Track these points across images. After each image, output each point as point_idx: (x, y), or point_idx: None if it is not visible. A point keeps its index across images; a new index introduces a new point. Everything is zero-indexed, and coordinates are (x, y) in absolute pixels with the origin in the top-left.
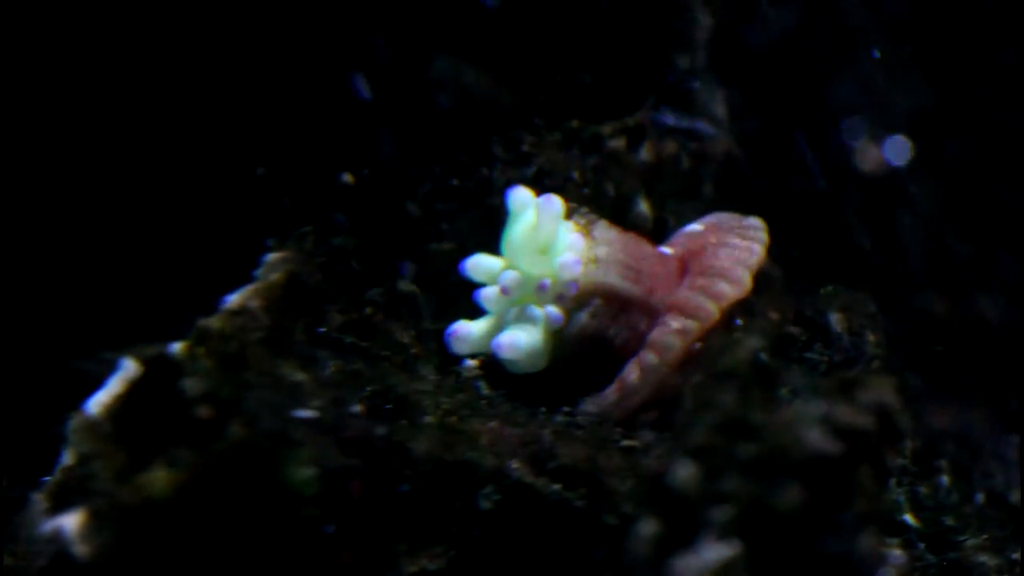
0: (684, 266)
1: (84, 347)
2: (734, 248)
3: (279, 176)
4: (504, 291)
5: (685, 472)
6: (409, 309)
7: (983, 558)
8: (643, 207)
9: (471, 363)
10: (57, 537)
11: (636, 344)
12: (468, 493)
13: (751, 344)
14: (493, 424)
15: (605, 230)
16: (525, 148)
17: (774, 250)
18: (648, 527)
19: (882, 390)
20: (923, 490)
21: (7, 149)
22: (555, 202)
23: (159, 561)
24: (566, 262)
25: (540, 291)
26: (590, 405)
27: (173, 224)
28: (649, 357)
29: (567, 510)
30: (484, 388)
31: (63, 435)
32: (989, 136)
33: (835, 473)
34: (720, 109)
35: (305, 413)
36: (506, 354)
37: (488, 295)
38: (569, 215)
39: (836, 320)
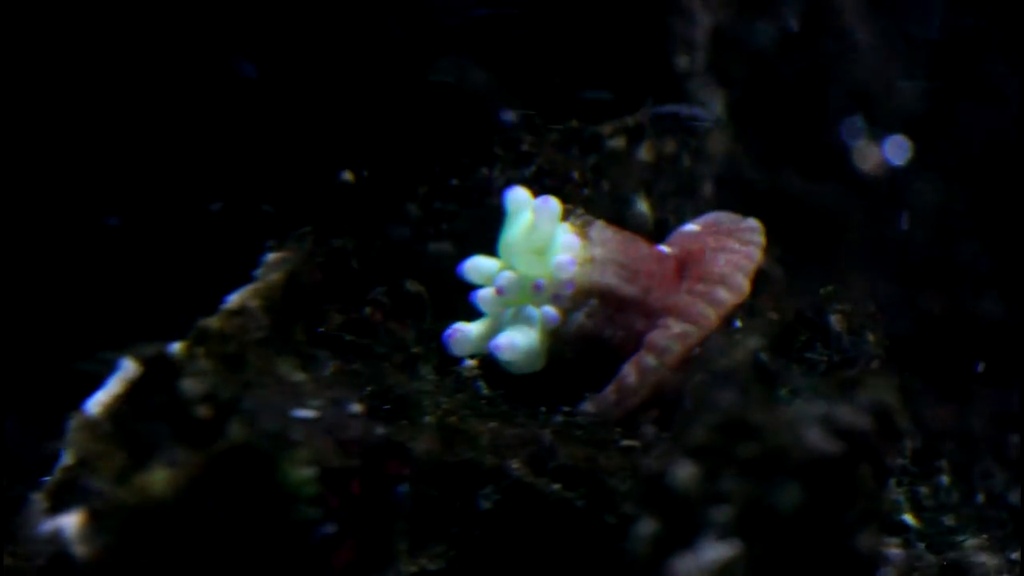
0: (682, 266)
1: (84, 347)
2: (732, 253)
3: (279, 176)
4: (500, 291)
5: (685, 472)
6: (413, 309)
7: (983, 558)
8: (642, 207)
9: (470, 363)
10: (57, 537)
11: (633, 344)
12: (468, 493)
13: (751, 344)
14: (493, 424)
15: (601, 230)
16: (525, 148)
17: (774, 250)
18: (648, 527)
19: (882, 390)
20: (923, 490)
21: (7, 149)
22: (552, 203)
23: (159, 561)
24: (562, 262)
25: (536, 291)
26: (589, 405)
27: (173, 224)
28: (648, 359)
29: (567, 510)
30: (484, 388)
31: (63, 435)
32: (989, 136)
33: (835, 473)
34: (720, 109)
35: (305, 413)
36: (504, 355)
37: (484, 296)
38: (566, 216)
39: (836, 320)
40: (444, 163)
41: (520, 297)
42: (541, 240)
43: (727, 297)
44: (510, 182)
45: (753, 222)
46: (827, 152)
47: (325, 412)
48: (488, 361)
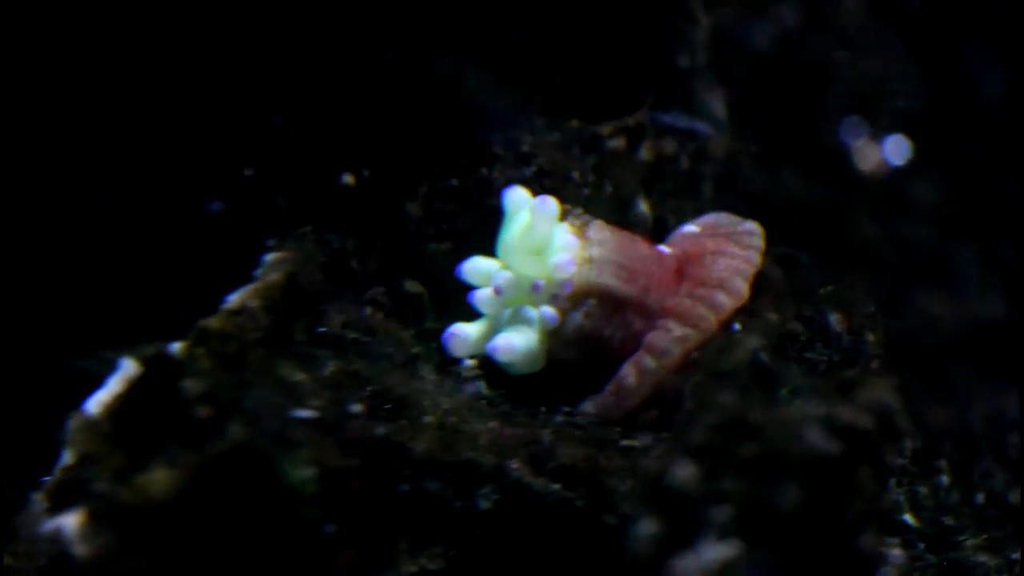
0: (680, 267)
1: (84, 347)
2: (732, 258)
3: (279, 176)
4: (497, 291)
5: (685, 472)
6: (413, 309)
7: (983, 558)
8: (643, 207)
9: (470, 363)
10: (57, 537)
11: (632, 344)
12: (468, 493)
13: (751, 344)
14: (493, 424)
15: (600, 230)
16: (525, 148)
17: (773, 250)
18: (648, 527)
19: (882, 390)
20: (923, 490)
21: (7, 149)
22: (550, 203)
23: (159, 561)
24: (559, 262)
25: (534, 292)
26: (589, 406)
27: (173, 224)
28: (647, 361)
29: (567, 510)
30: (484, 388)
31: (63, 435)
32: (989, 135)
33: (835, 473)
34: (720, 109)
35: (305, 413)
36: (501, 357)
37: (482, 297)
38: (564, 216)
39: (836, 320)
40: (444, 163)
41: (518, 297)
42: (539, 240)
43: (726, 302)
44: (510, 182)
45: (752, 225)
46: (827, 152)
47: (325, 412)
48: (488, 361)
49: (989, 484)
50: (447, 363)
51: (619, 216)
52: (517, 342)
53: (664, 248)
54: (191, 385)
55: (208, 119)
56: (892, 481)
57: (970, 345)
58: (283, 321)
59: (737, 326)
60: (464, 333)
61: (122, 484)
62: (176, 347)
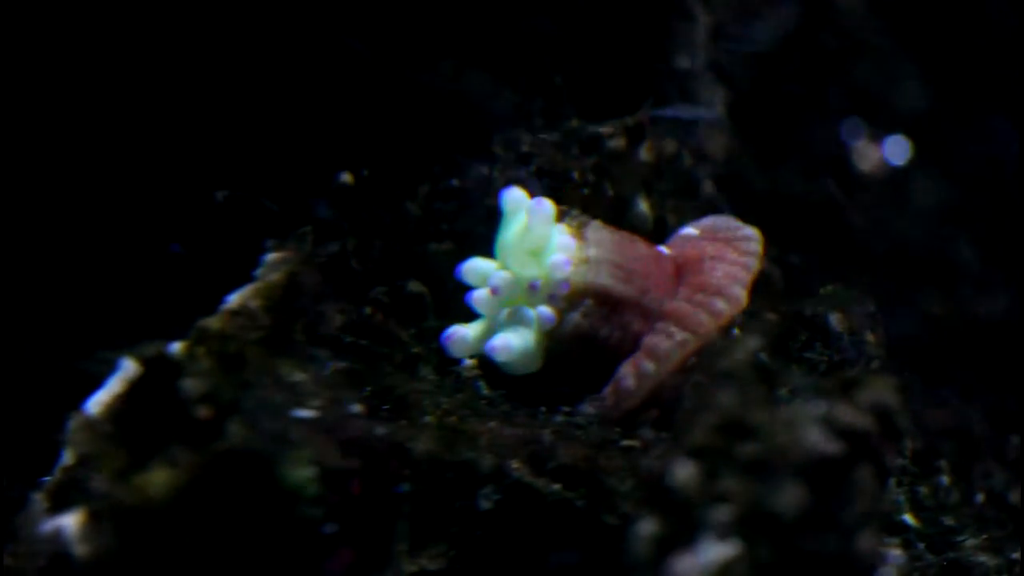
0: (679, 269)
1: (84, 347)
2: (731, 264)
3: (279, 176)
4: (494, 291)
5: (685, 472)
6: (414, 310)
7: (983, 558)
8: (643, 207)
9: (470, 363)
10: (57, 537)
11: (630, 344)
12: (468, 493)
13: (751, 344)
14: (493, 424)
15: (597, 231)
16: (525, 148)
17: (773, 251)
18: (648, 527)
19: (882, 390)
20: (923, 490)
21: (7, 149)
22: (546, 204)
23: (159, 561)
24: (556, 262)
25: (532, 292)
26: (588, 406)
27: (173, 224)
28: (647, 365)
29: (567, 510)
30: (484, 388)
31: (63, 435)
32: (989, 134)
33: (835, 473)
34: (720, 109)
35: (305, 413)
36: (499, 356)
37: (479, 297)
38: (562, 216)
39: (836, 320)
40: (444, 163)
41: (516, 298)
42: (536, 241)
43: (725, 308)
44: (510, 182)
45: (751, 231)
46: (827, 152)
47: (325, 412)
48: (487, 361)
49: (989, 484)
50: (447, 363)
51: (619, 216)
52: (514, 342)
53: (664, 249)
54: (191, 385)
55: (208, 119)
56: (892, 481)
57: (970, 345)
58: (283, 321)
59: (736, 331)
60: (463, 333)
61: (122, 484)
62: (176, 347)
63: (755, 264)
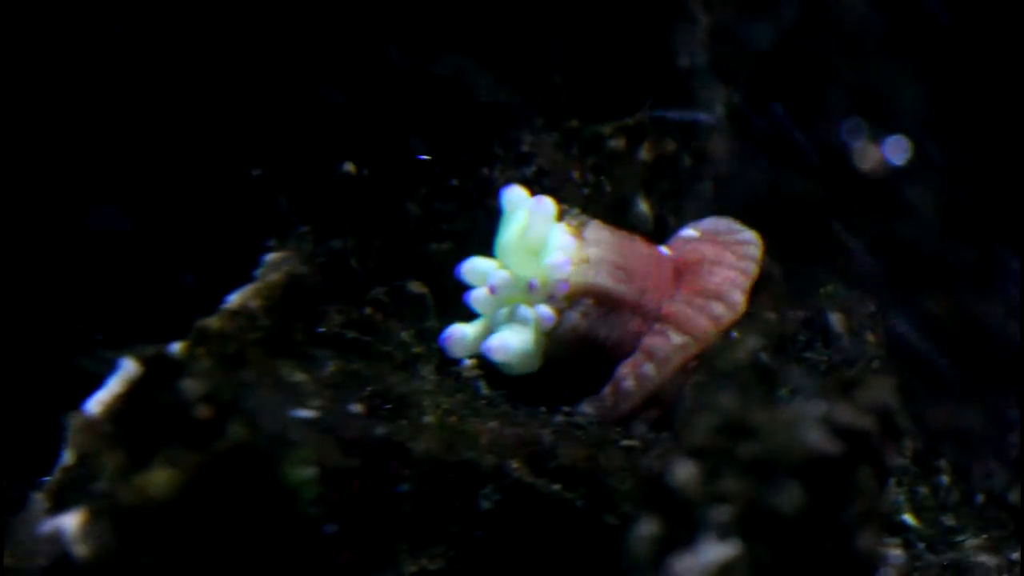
0: (678, 271)
1: (84, 347)
2: (729, 268)
3: (279, 176)
4: (492, 290)
5: (685, 472)
6: (415, 310)
7: (983, 558)
8: (643, 207)
9: (470, 363)
10: (57, 537)
11: (628, 344)
12: (468, 493)
13: (751, 344)
14: (493, 424)
15: (597, 230)
16: (525, 148)
17: (774, 250)
18: (648, 527)
19: (882, 390)
20: (923, 490)
21: (7, 149)
22: (546, 203)
23: (159, 561)
24: (555, 262)
25: (530, 291)
26: (587, 407)
27: (173, 224)
28: (647, 369)
29: (567, 510)
30: (484, 388)
31: (63, 435)
32: (989, 134)
33: (835, 473)
34: (720, 108)
35: (305, 413)
36: (497, 357)
37: (477, 296)
38: (562, 216)
39: (836, 320)
40: (444, 163)
41: (515, 297)
42: (536, 240)
43: (724, 313)
44: (510, 182)
45: (750, 235)
46: (827, 152)
47: (325, 412)
48: (487, 361)
49: (989, 484)
50: (447, 363)
51: (619, 216)
52: (512, 342)
53: (664, 250)
54: (191, 385)
55: (208, 119)
56: (892, 481)
57: (970, 345)
58: (283, 321)
59: (735, 334)
60: (461, 333)
61: (122, 484)
62: (176, 347)
63: (754, 269)
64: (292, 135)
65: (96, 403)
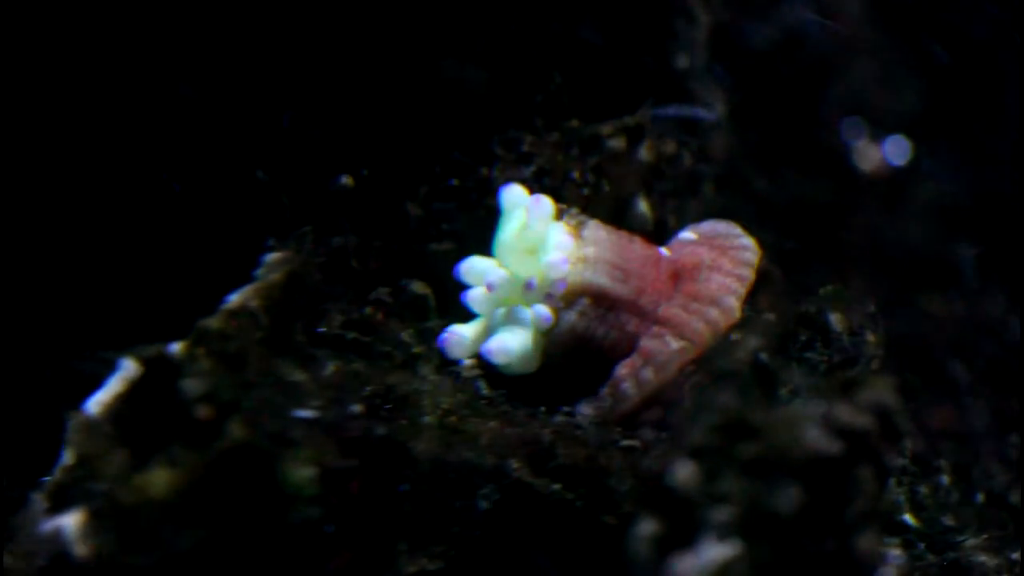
0: (676, 273)
1: (84, 347)
2: (726, 275)
3: (279, 176)
4: (489, 287)
5: (685, 472)
6: (415, 310)
7: (983, 558)
8: (643, 207)
9: (469, 362)
10: (57, 537)
11: (626, 344)
12: (468, 493)
13: (751, 344)
14: (493, 424)
15: (595, 230)
16: (525, 148)
17: (774, 250)
18: (648, 527)
19: (882, 390)
20: (923, 490)
21: (7, 149)
22: (544, 202)
23: (158, 561)
24: (553, 261)
25: (527, 290)
26: (587, 407)
27: (173, 224)
28: (646, 373)
29: (567, 510)
30: (484, 388)
31: (63, 435)
32: (989, 134)
33: (835, 473)
34: (720, 108)
35: (305, 413)
36: (497, 359)
37: (475, 296)
38: (560, 215)
39: (836, 320)
40: (444, 163)
41: (512, 297)
42: (534, 239)
43: (720, 319)
44: (510, 182)
45: (748, 241)
46: (827, 152)
47: (325, 412)
48: (486, 362)
49: (989, 484)
50: (447, 363)
51: (619, 216)
52: (511, 343)
53: (664, 251)
54: (191, 385)
55: (208, 119)
56: (892, 481)
57: (970, 345)
58: (283, 321)
59: (734, 335)
60: (460, 335)
61: (122, 484)
62: (176, 347)
63: (750, 276)
64: (293, 135)
65: (96, 403)
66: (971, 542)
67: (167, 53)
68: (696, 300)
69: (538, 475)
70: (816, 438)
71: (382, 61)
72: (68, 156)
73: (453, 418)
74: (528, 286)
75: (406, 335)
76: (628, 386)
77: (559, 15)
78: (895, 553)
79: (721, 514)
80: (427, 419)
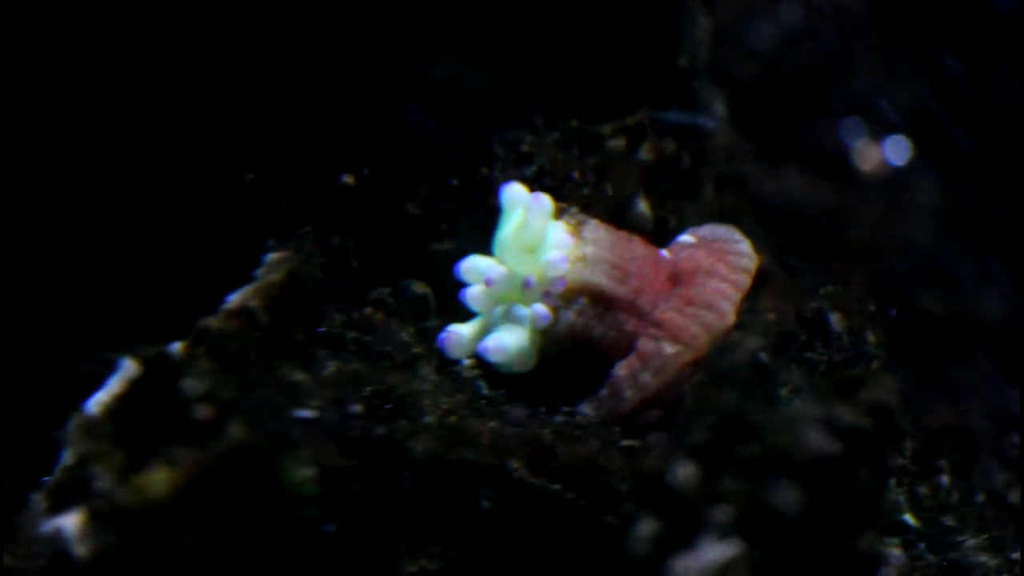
0: (674, 275)
1: (84, 347)
2: (722, 280)
3: (279, 176)
4: (488, 283)
5: (685, 472)
6: (415, 309)
7: (983, 558)
8: (643, 207)
9: (469, 362)
10: (57, 537)
11: (623, 344)
12: (468, 493)
13: (751, 344)
14: (493, 424)
15: (594, 229)
16: (525, 148)
17: (774, 250)
18: (648, 527)
19: (882, 390)
20: (923, 490)
21: (7, 149)
22: (544, 200)
23: (159, 561)
24: (552, 260)
25: (526, 288)
26: (586, 407)
27: (173, 224)
28: (645, 377)
29: (567, 510)
30: (484, 388)
31: (63, 435)
32: (989, 135)
33: (835, 473)
34: (720, 109)
35: (305, 413)
36: (493, 358)
37: (473, 294)
38: (560, 214)
39: (836, 320)
40: (444, 163)
41: (511, 295)
42: (533, 238)
43: (716, 324)
44: (509, 180)
45: (745, 247)
46: (827, 152)
47: (325, 412)
48: (483, 361)
49: (989, 484)
50: (447, 363)
51: (619, 216)
52: (508, 342)
53: (664, 252)
54: (191, 385)
55: (208, 119)
56: (892, 481)
57: (970, 345)
58: (283, 321)
59: (734, 336)
60: (459, 334)
61: (122, 484)
62: (176, 347)
63: (746, 282)
64: (292, 135)
65: (96, 403)
66: (971, 542)
67: (167, 53)
68: (692, 304)
69: (538, 475)
70: (816, 438)
71: (382, 61)
72: (68, 156)
73: (453, 418)
74: (526, 284)
75: (406, 335)
76: (627, 388)
77: (559, 15)
78: (895, 553)
79: (721, 514)
80: (427, 419)
